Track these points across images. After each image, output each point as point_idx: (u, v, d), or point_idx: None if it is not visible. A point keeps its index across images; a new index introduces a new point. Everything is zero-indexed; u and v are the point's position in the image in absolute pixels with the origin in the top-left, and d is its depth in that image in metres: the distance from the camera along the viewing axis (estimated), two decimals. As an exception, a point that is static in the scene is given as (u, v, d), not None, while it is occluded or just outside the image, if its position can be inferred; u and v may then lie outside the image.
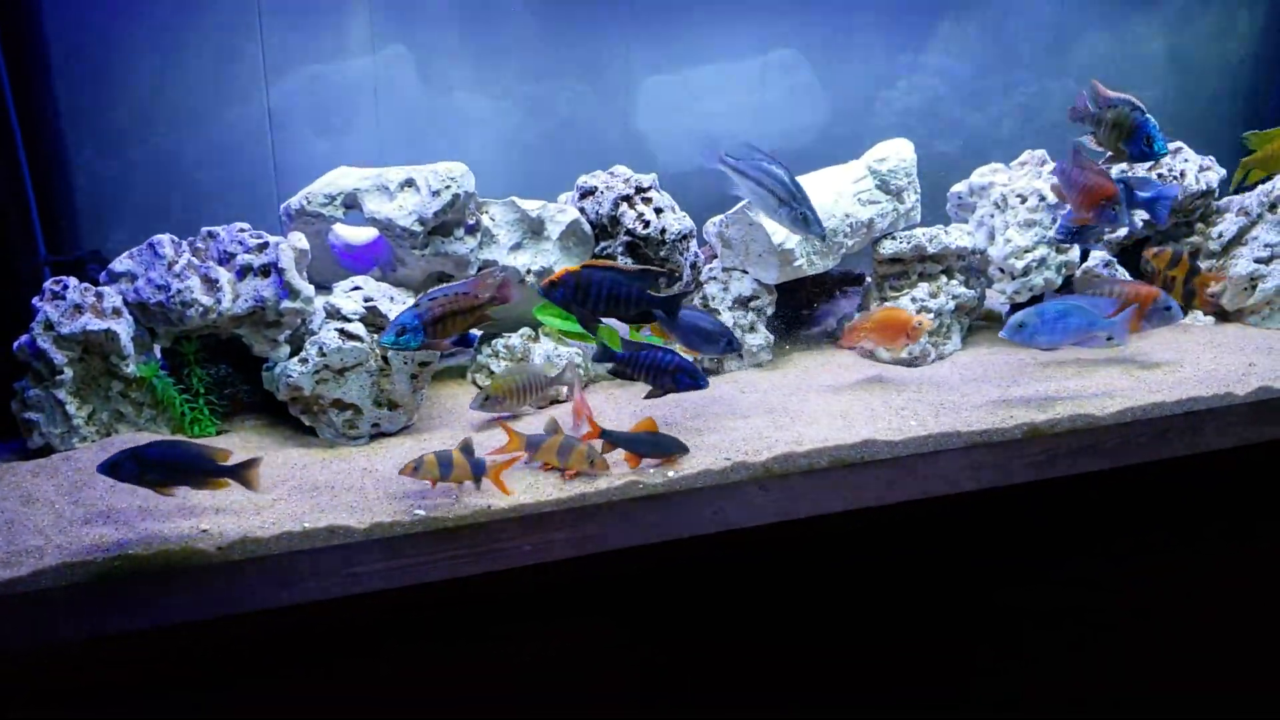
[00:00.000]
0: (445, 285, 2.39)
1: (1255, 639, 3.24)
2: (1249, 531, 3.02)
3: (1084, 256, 3.42)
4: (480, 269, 2.91)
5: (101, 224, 3.20)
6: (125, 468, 2.12)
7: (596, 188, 3.09)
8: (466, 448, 2.33)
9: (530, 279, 2.94)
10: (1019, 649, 2.91)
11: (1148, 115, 2.67)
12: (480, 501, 2.36)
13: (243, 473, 2.22)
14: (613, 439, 2.51)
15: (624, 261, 3.06)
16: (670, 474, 2.51)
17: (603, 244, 3.08)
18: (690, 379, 2.64)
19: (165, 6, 3.03)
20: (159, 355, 2.70)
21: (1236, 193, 3.66)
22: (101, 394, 2.59)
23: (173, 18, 3.05)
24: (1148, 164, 3.36)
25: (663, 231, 3.01)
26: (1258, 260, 3.51)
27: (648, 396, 2.69)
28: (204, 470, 2.19)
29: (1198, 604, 3.08)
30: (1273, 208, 3.54)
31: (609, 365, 2.66)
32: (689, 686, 2.53)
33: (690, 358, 2.69)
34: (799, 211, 2.65)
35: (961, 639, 2.82)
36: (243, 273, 2.57)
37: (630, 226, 3.01)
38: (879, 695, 2.78)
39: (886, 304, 3.21)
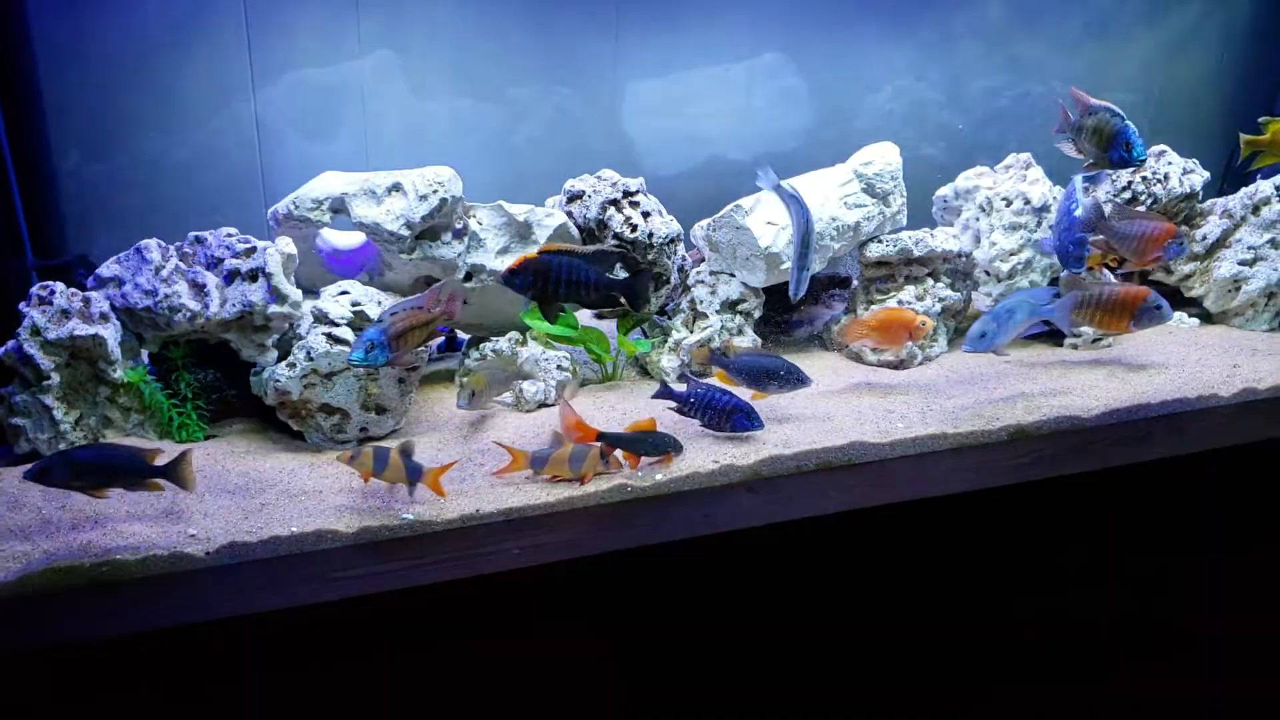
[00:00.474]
0: (403, 300, 2.42)
1: (1241, 639, 3.25)
2: (1234, 532, 3.04)
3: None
4: (468, 274, 2.91)
5: (88, 229, 3.19)
6: (56, 473, 2.10)
7: (584, 191, 3.08)
8: (405, 450, 2.32)
9: (516, 282, 2.94)
10: (1008, 650, 2.92)
11: (1127, 122, 2.69)
12: (469, 506, 2.35)
13: (175, 471, 2.19)
14: (611, 440, 2.51)
15: (612, 265, 3.07)
16: (659, 477, 2.50)
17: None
18: (747, 420, 2.67)
19: (152, 12, 3.02)
20: (146, 360, 2.69)
21: (1238, 172, 3.70)
22: (89, 399, 2.58)
23: (160, 23, 3.04)
24: (1129, 169, 3.37)
25: (650, 235, 3.01)
26: (1241, 262, 3.53)
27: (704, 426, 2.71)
28: (135, 471, 2.16)
29: (1183, 603, 3.10)
30: (1256, 210, 3.55)
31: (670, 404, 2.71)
32: (679, 690, 2.53)
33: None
34: (800, 268, 2.71)
35: (949, 640, 2.82)
36: (230, 277, 2.56)
37: (618, 230, 3.01)
38: (868, 698, 2.78)
39: (887, 304, 3.21)
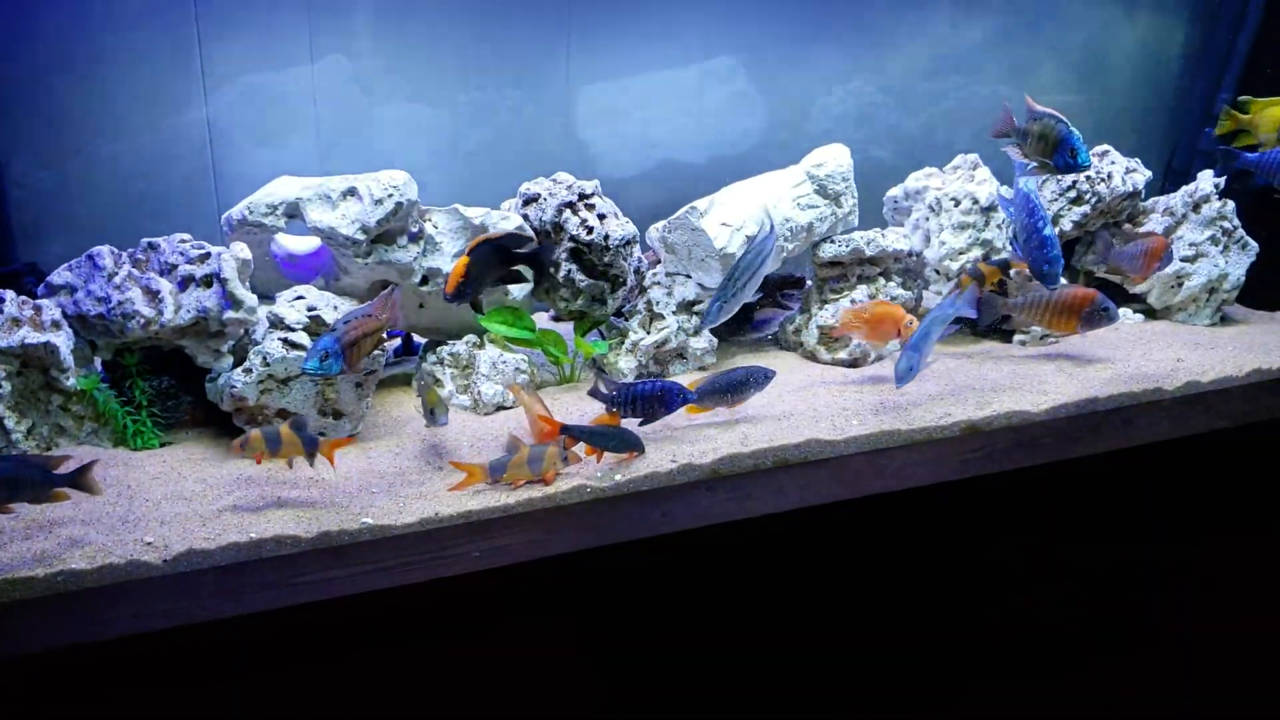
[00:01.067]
0: (355, 309, 2.42)
1: (1191, 628, 3.30)
2: (1182, 523, 3.09)
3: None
4: (424, 278, 2.90)
5: (38, 237, 3.15)
6: None
7: (540, 195, 3.08)
8: (298, 424, 2.31)
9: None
10: (963, 642, 2.95)
11: (1072, 128, 2.73)
12: (428, 509, 2.35)
13: (80, 479, 2.15)
14: (574, 433, 2.50)
15: (568, 268, 3.06)
16: (618, 477, 2.51)
17: (547, 250, 3.08)
18: (680, 396, 2.68)
19: (102, 17, 2.98)
20: (100, 368, 2.65)
21: (1179, 170, 3.78)
22: (41, 408, 2.54)
23: (109, 28, 3.00)
24: (1073, 175, 3.43)
25: (606, 237, 3.02)
26: (1183, 259, 3.60)
27: (642, 424, 2.70)
28: (39, 482, 2.10)
29: (1136, 596, 3.15)
30: (1196, 208, 3.62)
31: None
32: (642, 689, 2.54)
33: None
34: (721, 297, 2.70)
35: (907, 634, 2.85)
36: (184, 283, 2.54)
37: (574, 233, 3.01)
38: (832, 693, 2.81)
39: (840, 304, 3.24)
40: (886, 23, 3.89)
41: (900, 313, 3.04)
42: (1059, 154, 2.75)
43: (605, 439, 2.54)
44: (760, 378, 2.79)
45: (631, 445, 2.56)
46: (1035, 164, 2.82)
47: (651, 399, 2.64)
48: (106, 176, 3.16)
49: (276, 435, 2.31)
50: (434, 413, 2.52)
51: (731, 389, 2.77)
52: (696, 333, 3.12)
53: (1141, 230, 3.65)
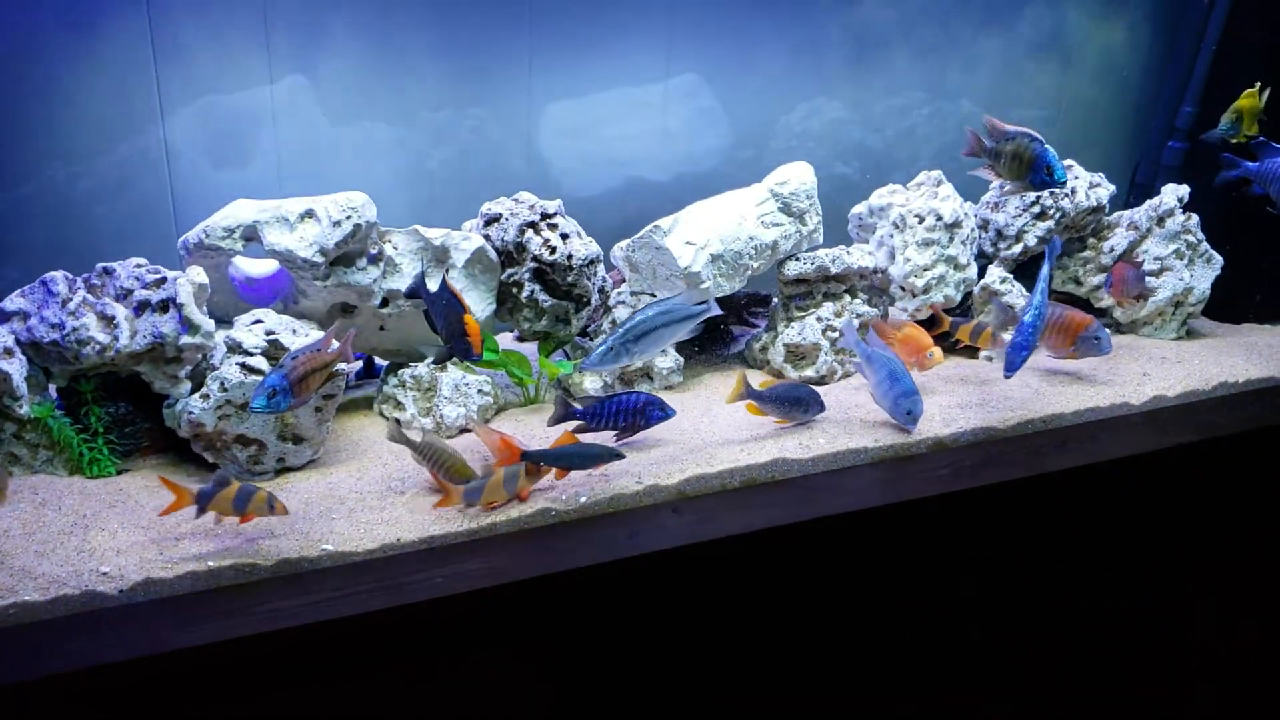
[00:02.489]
0: (303, 345, 2.42)
1: (1157, 639, 3.34)
2: (1147, 536, 3.12)
3: (981, 273, 3.51)
4: (384, 300, 2.90)
5: (-7, 262, 3.12)
6: None
7: (501, 214, 3.09)
8: (220, 479, 2.27)
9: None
10: (931, 660, 2.96)
11: (1046, 145, 2.77)
12: (389, 535, 2.34)
13: None
14: (536, 459, 2.50)
15: (531, 288, 3.07)
16: (582, 500, 2.51)
17: (509, 270, 3.08)
18: (661, 410, 2.72)
19: (53, 38, 2.97)
20: (54, 395, 2.63)
21: (1142, 185, 3.84)
22: (-7, 437, 2.53)
23: (62, 49, 2.98)
24: (1049, 190, 3.48)
25: (569, 257, 3.03)
26: (1148, 273, 3.64)
27: (618, 439, 2.73)
28: None
29: (1100, 609, 3.17)
30: (1160, 222, 3.67)
31: (575, 424, 2.73)
32: (609, 715, 2.54)
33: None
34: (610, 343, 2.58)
35: (874, 654, 2.86)
36: (140, 309, 2.52)
37: (537, 253, 3.02)
38: (801, 712, 2.81)
39: (807, 320, 3.26)
40: (849, 40, 3.93)
41: (927, 341, 3.11)
42: (1034, 172, 2.80)
43: (570, 459, 2.54)
44: (815, 404, 2.90)
45: (598, 458, 2.55)
46: (1009, 186, 2.86)
47: (634, 410, 2.69)
48: (63, 200, 3.14)
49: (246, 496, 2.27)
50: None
51: (789, 403, 2.88)
52: (662, 351, 3.13)
53: (1105, 246, 3.70)
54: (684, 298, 2.66)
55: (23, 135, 3.06)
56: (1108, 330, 3.23)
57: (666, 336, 2.63)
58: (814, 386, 3.22)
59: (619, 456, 2.56)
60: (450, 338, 2.51)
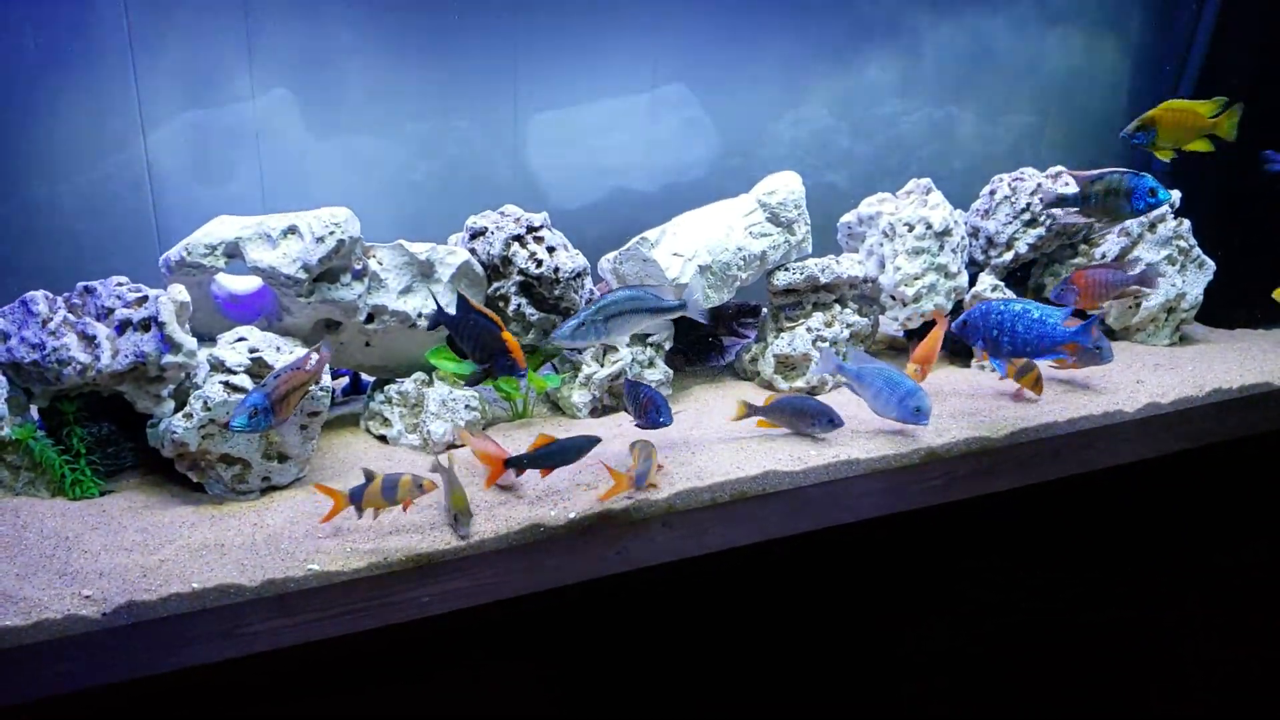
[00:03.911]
0: (287, 363, 2.44)
1: (1153, 646, 3.34)
2: (1142, 544, 3.13)
3: (972, 281, 3.52)
4: (369, 315, 2.90)
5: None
6: None
7: (487, 228, 3.09)
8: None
9: (421, 323, 2.94)
10: (925, 671, 2.96)
11: (1137, 174, 2.83)
12: (376, 553, 2.34)
13: None
14: (521, 463, 2.53)
15: (518, 302, 3.07)
16: (572, 515, 2.51)
17: (495, 284, 3.08)
18: (657, 413, 2.71)
19: (33, 55, 2.97)
20: (35, 416, 2.63)
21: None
22: (-26, 459, 2.52)
23: (42, 66, 2.99)
24: (1038, 196, 3.52)
25: (556, 270, 3.03)
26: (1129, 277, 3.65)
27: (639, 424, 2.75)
28: None
29: (1096, 618, 3.17)
30: (1152, 228, 3.68)
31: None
32: (598, 730, 2.53)
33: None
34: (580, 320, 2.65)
35: (867, 667, 2.86)
36: (122, 328, 2.52)
37: (523, 266, 3.02)
38: (790, 728, 2.81)
39: (797, 331, 3.27)
40: (836, 48, 3.94)
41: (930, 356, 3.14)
42: (1136, 199, 2.84)
43: (552, 457, 2.55)
44: (824, 418, 2.88)
45: (579, 450, 2.55)
46: (1103, 222, 2.89)
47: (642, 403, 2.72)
48: (43, 219, 3.14)
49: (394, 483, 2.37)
50: (458, 519, 2.45)
51: (796, 414, 2.89)
52: (650, 363, 3.13)
53: (1096, 254, 3.71)
54: (661, 292, 2.71)
55: (3, 153, 3.06)
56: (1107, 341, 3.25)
57: (634, 323, 2.69)
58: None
59: (597, 441, 2.58)
60: (489, 356, 2.49)
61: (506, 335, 2.46)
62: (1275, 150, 3.40)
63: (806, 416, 2.88)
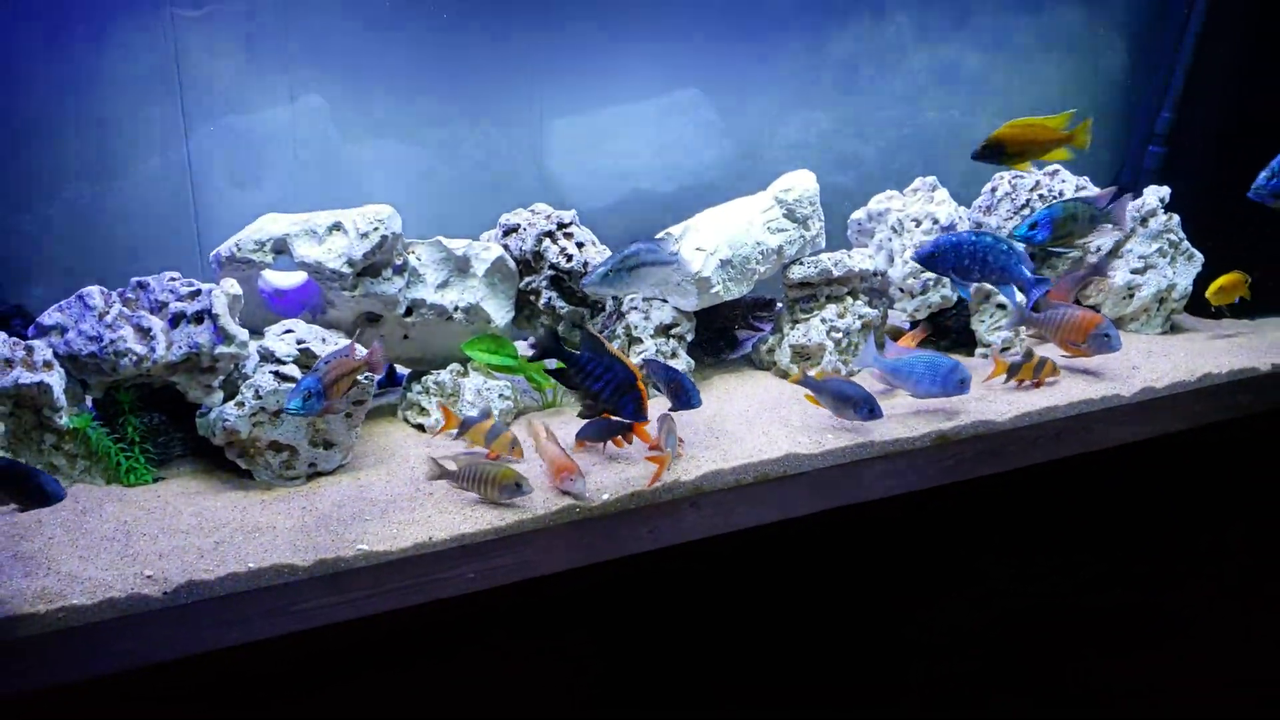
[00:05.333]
0: (333, 350, 2.48)
1: (1152, 621, 3.34)
2: (1141, 520, 3.13)
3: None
4: (408, 309, 2.89)
5: (21, 280, 3.10)
6: None
7: (519, 225, 3.08)
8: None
9: (458, 315, 2.92)
10: (944, 646, 2.96)
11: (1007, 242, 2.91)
12: (421, 534, 2.33)
13: None
14: (586, 435, 2.73)
15: (548, 295, 3.06)
16: (605, 497, 2.51)
17: (527, 279, 3.07)
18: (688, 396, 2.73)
19: (80, 60, 2.96)
20: (90, 406, 2.62)
21: (1124, 187, 3.84)
22: (34, 447, 2.50)
23: (88, 71, 2.98)
24: (1028, 194, 3.54)
25: (585, 265, 3.02)
26: (1133, 271, 3.66)
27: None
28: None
29: (1097, 593, 3.18)
30: (1144, 222, 3.68)
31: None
32: (634, 705, 2.53)
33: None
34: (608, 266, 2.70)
35: (887, 640, 2.86)
36: (175, 320, 2.51)
37: (554, 261, 3.01)
38: (814, 701, 2.81)
39: (811, 323, 3.27)
40: (842, 54, 3.94)
41: None
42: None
43: (613, 426, 2.66)
44: (866, 406, 2.83)
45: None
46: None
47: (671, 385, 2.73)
48: (88, 219, 3.13)
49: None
50: (519, 485, 2.44)
51: (840, 399, 2.87)
52: (673, 354, 3.12)
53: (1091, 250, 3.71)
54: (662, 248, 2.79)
55: (48, 156, 3.05)
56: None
57: (652, 275, 2.75)
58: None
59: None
60: (619, 396, 2.46)
61: (640, 381, 2.45)
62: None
63: (849, 402, 2.85)
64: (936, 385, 2.93)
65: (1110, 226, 2.98)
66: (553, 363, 2.55)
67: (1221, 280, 3.60)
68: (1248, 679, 3.56)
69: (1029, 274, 2.87)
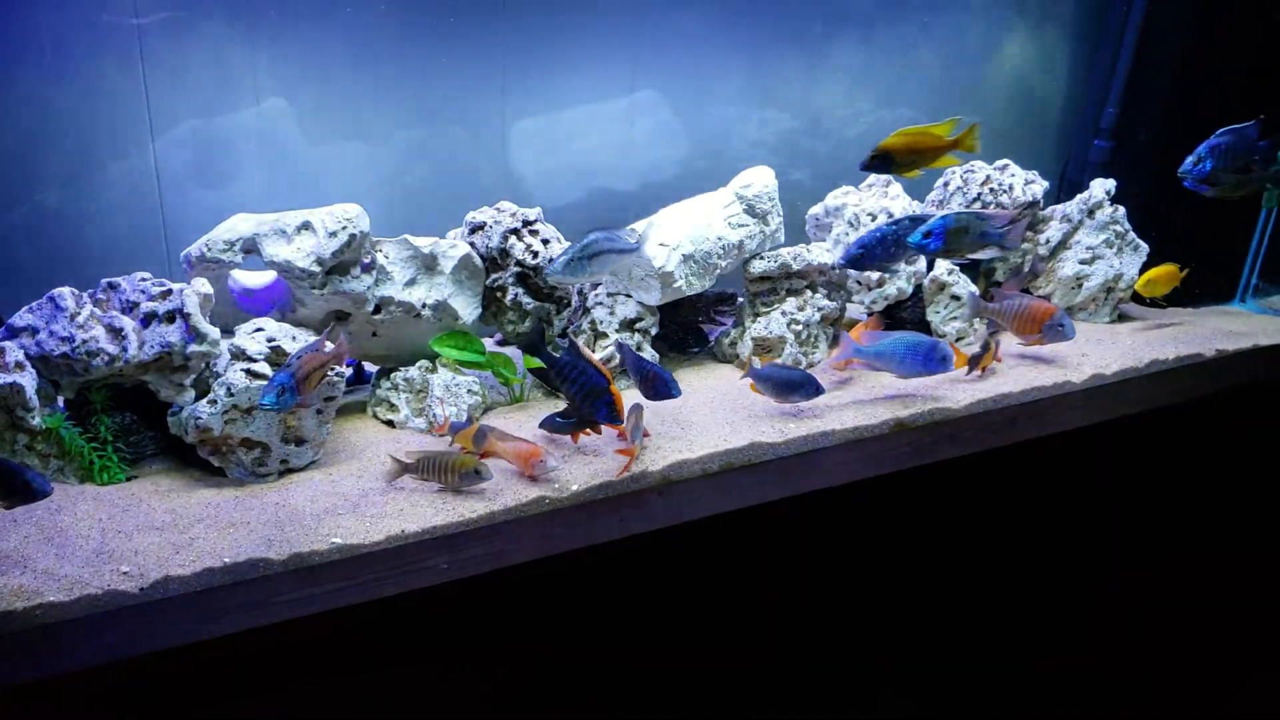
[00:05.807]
0: (305, 345, 2.50)
1: (1108, 609, 3.40)
2: (1091, 503, 3.20)
3: (930, 266, 3.57)
4: (377, 306, 2.89)
5: (-12, 284, 3.08)
6: None
7: (485, 222, 3.10)
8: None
9: (426, 312, 2.93)
10: (908, 631, 3.01)
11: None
12: (394, 527, 2.34)
13: None
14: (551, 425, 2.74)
15: (515, 291, 3.08)
16: (574, 487, 2.53)
17: (494, 275, 3.09)
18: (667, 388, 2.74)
19: (43, 64, 2.94)
20: (62, 406, 2.60)
21: (1070, 180, 3.90)
22: (7, 448, 2.48)
23: (52, 75, 2.95)
24: (979, 189, 3.58)
25: (550, 260, 3.04)
26: (1082, 261, 3.73)
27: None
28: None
29: (1053, 571, 3.24)
30: (1091, 214, 3.75)
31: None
32: (609, 689, 2.55)
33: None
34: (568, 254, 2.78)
35: (849, 620, 2.90)
36: (147, 320, 2.50)
37: (520, 257, 3.03)
38: (781, 687, 2.84)
39: (772, 315, 3.31)
40: (797, 57, 3.98)
41: None
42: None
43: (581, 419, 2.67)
44: (811, 388, 2.91)
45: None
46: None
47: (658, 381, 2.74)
48: (54, 223, 3.10)
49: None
50: (479, 473, 2.48)
51: (783, 385, 2.93)
52: (639, 348, 3.15)
53: (1040, 240, 3.78)
54: (628, 237, 2.89)
55: (12, 161, 3.02)
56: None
57: (611, 261, 2.83)
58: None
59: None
60: (593, 403, 2.54)
61: (613, 387, 2.53)
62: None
63: (791, 386, 2.90)
64: (919, 364, 2.98)
65: (997, 250, 2.94)
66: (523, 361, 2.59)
67: (1150, 274, 3.68)
68: (1192, 654, 3.64)
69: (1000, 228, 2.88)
